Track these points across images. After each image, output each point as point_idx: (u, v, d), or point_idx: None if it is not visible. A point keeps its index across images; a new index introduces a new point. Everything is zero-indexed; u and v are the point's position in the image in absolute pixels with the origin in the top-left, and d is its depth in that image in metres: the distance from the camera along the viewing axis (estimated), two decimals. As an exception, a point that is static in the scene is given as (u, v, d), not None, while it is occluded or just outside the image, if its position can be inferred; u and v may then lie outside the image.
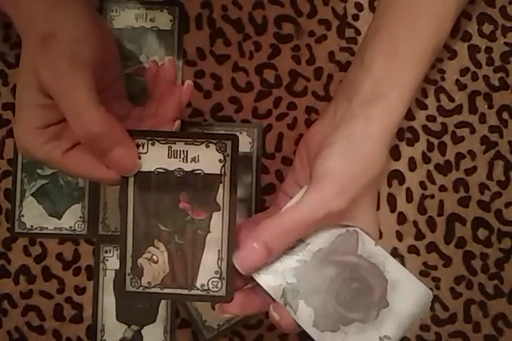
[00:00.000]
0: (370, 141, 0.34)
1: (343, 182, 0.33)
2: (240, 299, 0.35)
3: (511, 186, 0.48)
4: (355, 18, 0.48)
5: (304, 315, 0.34)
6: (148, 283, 0.35)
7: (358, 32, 0.48)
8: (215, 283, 0.35)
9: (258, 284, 0.35)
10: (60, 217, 0.47)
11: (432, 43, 0.36)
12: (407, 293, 0.34)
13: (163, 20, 0.48)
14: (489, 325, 0.47)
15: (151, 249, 0.35)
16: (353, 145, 0.34)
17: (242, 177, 0.47)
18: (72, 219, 0.47)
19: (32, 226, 0.47)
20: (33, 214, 0.47)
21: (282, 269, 0.34)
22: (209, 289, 0.35)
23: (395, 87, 0.35)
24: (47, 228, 0.47)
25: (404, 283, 0.34)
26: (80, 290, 0.47)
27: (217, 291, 0.35)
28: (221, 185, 0.35)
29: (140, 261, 0.35)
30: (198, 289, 0.35)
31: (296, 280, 0.34)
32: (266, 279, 0.35)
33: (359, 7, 0.48)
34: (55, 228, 0.47)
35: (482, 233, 0.47)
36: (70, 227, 0.47)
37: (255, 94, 0.48)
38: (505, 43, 0.48)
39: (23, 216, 0.47)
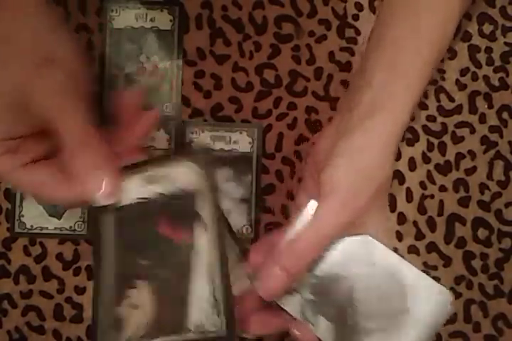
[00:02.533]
0: (368, 153, 0.34)
1: (345, 197, 0.33)
2: (258, 320, 0.35)
3: (511, 186, 0.48)
4: (355, 18, 0.48)
5: (325, 330, 0.33)
6: (129, 338, 0.29)
7: (358, 32, 0.48)
8: (211, 321, 0.29)
9: (276, 304, 0.34)
10: (60, 217, 0.47)
11: (435, 52, 0.36)
12: (426, 297, 0.33)
13: (163, 20, 0.48)
14: (489, 325, 0.47)
15: (129, 291, 0.30)
16: (351, 158, 0.34)
17: (242, 177, 0.47)
18: (72, 219, 0.47)
19: (32, 226, 0.47)
20: (33, 214, 0.47)
21: (298, 286, 0.34)
22: (205, 330, 0.29)
23: (394, 99, 0.34)
24: (47, 228, 0.47)
25: (421, 286, 0.33)
26: (80, 290, 0.47)
27: (215, 331, 0.29)
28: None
29: (118, 310, 0.30)
30: (191, 332, 0.29)
31: (313, 296, 0.34)
32: (283, 298, 0.34)
33: (359, 7, 0.48)
34: (55, 228, 0.47)
35: (482, 233, 0.47)
36: (70, 227, 0.47)
37: (255, 94, 0.48)
38: (505, 43, 0.48)
39: (23, 216, 0.47)
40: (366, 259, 0.34)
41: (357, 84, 0.37)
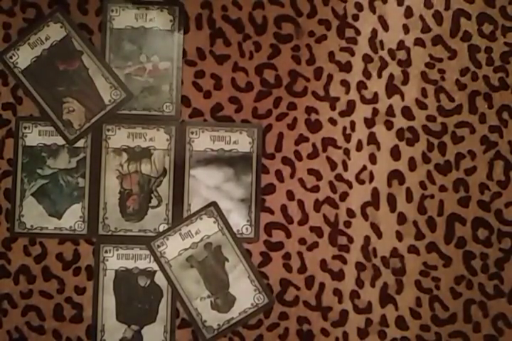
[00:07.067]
0: None
1: None
2: None
3: (511, 186, 0.48)
4: (355, 18, 0.48)
5: None
6: None
7: (358, 32, 0.48)
8: None
9: None
10: (60, 217, 0.47)
11: None
12: None
13: (163, 20, 0.48)
14: (489, 325, 0.47)
15: None
16: None
17: (242, 177, 0.47)
18: (72, 219, 0.47)
19: (32, 226, 0.47)
20: (33, 214, 0.47)
21: None
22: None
23: None
24: (47, 228, 0.47)
25: None
26: (80, 290, 0.47)
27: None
28: None
29: None
30: None
31: None
32: None
33: (359, 7, 0.48)
34: (55, 228, 0.47)
35: (482, 233, 0.47)
36: (70, 227, 0.47)
37: (255, 94, 0.48)
38: (505, 43, 0.48)
39: (23, 216, 0.47)
40: None
41: None
